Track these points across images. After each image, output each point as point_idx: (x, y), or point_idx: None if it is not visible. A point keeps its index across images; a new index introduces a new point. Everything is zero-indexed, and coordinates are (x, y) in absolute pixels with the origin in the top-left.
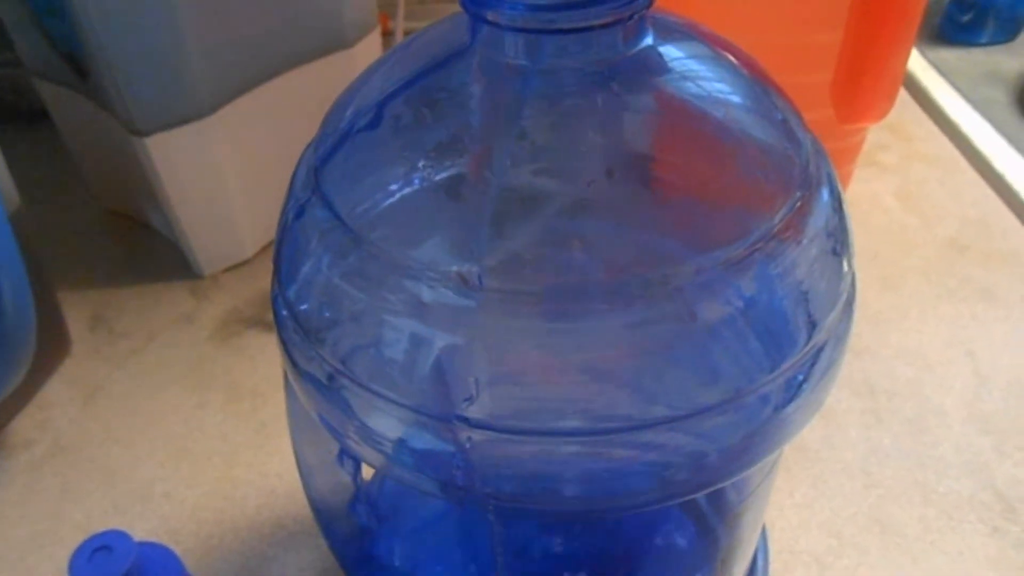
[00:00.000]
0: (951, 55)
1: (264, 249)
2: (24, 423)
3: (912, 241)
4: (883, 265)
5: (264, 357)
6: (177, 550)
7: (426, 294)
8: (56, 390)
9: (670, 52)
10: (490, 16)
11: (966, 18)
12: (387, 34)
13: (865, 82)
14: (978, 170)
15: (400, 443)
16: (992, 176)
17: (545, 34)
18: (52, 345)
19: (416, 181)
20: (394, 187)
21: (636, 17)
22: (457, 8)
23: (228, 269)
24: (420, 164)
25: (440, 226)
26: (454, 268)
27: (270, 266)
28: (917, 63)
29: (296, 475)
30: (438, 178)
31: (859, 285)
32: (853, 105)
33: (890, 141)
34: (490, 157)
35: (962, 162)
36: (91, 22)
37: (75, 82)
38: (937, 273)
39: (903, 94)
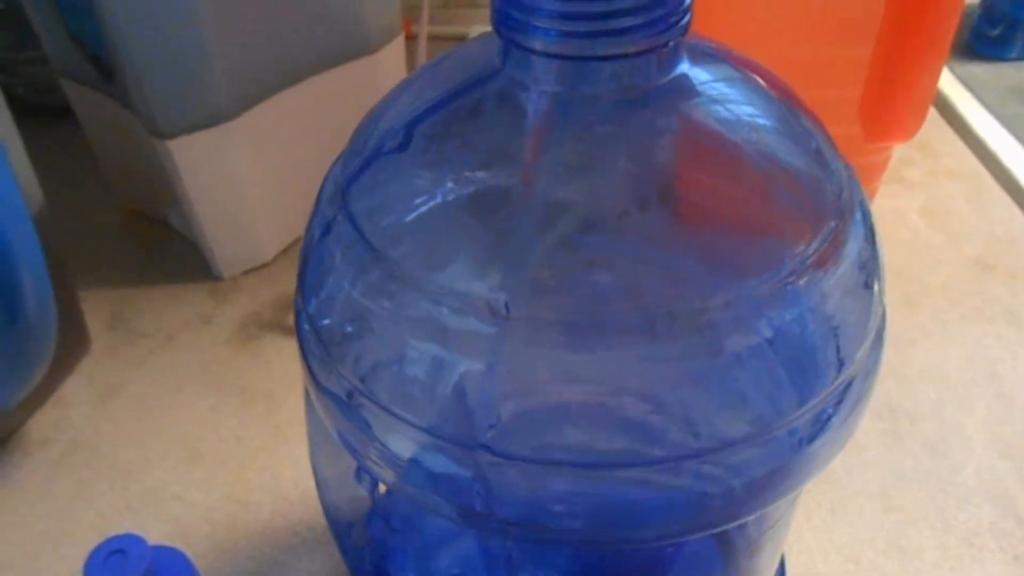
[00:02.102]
0: (979, 70)
1: (284, 252)
2: (42, 421)
3: (937, 259)
4: (907, 283)
5: (281, 361)
6: (189, 553)
7: (451, 319)
8: (74, 388)
9: (704, 79)
10: (523, 41)
11: (995, 32)
12: (410, 39)
13: (895, 101)
14: (1005, 188)
15: (418, 466)
16: (1019, 194)
17: (579, 61)
18: (72, 344)
19: (444, 205)
20: (421, 210)
21: (671, 44)
22: (482, 16)
23: (247, 272)
24: (448, 188)
25: (467, 251)
26: (481, 294)
27: (289, 269)
28: (944, 77)
29: (311, 481)
30: (466, 203)
31: None
32: (882, 124)
33: (916, 157)
34: (522, 184)
35: (989, 179)
36: (117, 24)
37: (100, 83)
38: (962, 292)
39: (930, 109)
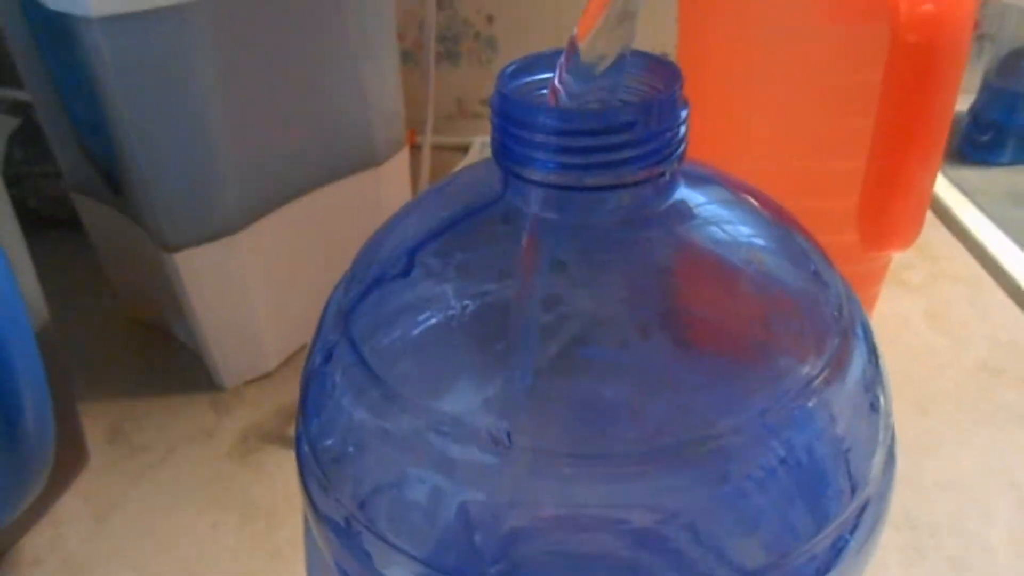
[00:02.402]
0: (972, 174)
1: (286, 361)
2: (35, 539)
3: (943, 363)
4: (915, 388)
5: (282, 475)
6: None
7: (452, 448)
8: (70, 505)
9: (701, 205)
10: (522, 172)
11: (985, 139)
12: (414, 149)
13: (892, 211)
14: (1006, 291)
15: None
16: (1020, 297)
17: (577, 191)
18: (70, 458)
19: (445, 331)
20: (422, 336)
21: (668, 173)
22: (483, 127)
23: (250, 382)
24: (449, 315)
25: (469, 379)
26: (482, 423)
27: (291, 379)
28: (939, 182)
29: None
30: (468, 329)
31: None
32: (880, 234)
33: (915, 261)
34: (520, 311)
35: (989, 282)
36: (129, 140)
37: (109, 196)
38: (971, 398)
39: (927, 213)
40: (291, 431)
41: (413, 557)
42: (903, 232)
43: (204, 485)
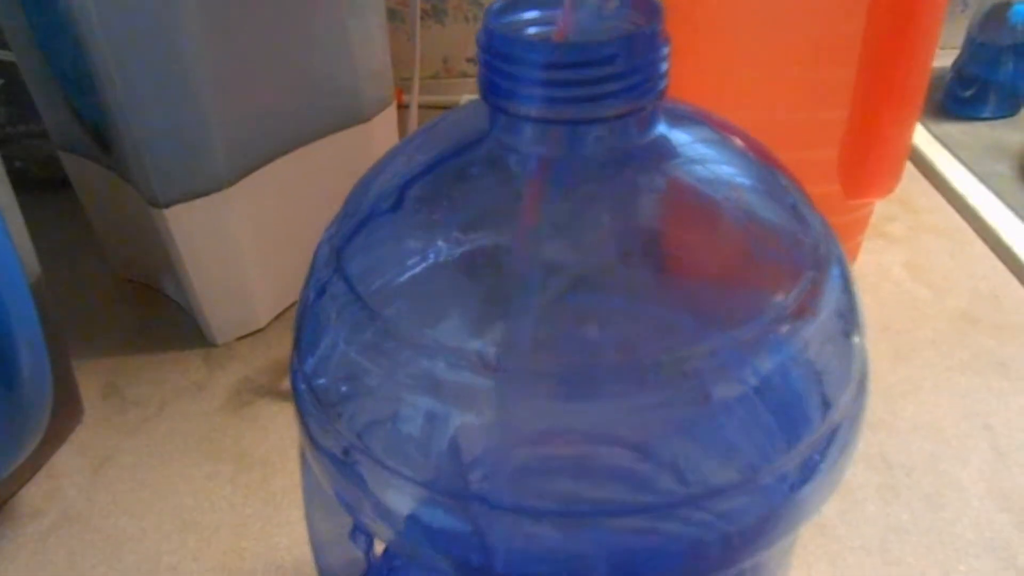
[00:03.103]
0: (955, 129)
1: (278, 318)
2: (33, 492)
3: (923, 313)
4: (894, 337)
5: (275, 427)
6: None
7: (444, 373)
8: (66, 459)
9: (682, 139)
10: (508, 107)
11: (968, 93)
12: (402, 108)
13: (872, 159)
14: (986, 242)
15: (415, 521)
16: (1001, 249)
17: (561, 124)
18: (65, 413)
19: (435, 264)
20: (414, 267)
21: (649, 108)
22: (469, 86)
23: (241, 338)
24: (440, 246)
25: (459, 306)
26: (473, 348)
27: (282, 335)
28: (922, 137)
29: (304, 549)
30: (457, 260)
31: (871, 357)
32: (860, 182)
33: (898, 213)
34: (508, 241)
35: (970, 234)
36: (118, 98)
37: (98, 154)
38: (949, 345)
39: (909, 167)
40: (283, 385)
41: (409, 479)
42: (883, 180)
43: (199, 437)
